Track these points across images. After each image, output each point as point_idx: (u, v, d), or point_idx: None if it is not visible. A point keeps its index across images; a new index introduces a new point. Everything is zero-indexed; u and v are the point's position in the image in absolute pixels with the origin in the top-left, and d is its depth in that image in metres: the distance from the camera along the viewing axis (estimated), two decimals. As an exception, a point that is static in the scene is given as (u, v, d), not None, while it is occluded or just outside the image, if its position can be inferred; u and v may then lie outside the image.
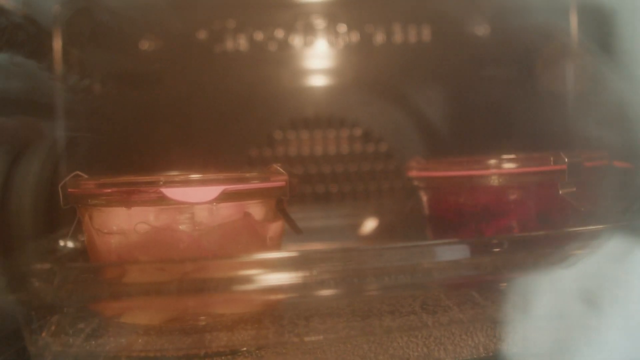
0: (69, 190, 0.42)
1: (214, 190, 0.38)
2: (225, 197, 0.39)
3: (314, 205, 0.76)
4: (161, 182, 0.38)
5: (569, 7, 0.75)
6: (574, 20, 0.74)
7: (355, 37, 0.76)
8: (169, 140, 0.73)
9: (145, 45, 0.74)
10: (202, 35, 0.74)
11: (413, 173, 0.52)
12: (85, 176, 0.43)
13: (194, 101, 0.74)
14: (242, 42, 0.75)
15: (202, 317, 0.41)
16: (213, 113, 0.75)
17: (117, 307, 0.40)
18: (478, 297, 0.43)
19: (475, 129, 0.77)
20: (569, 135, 0.75)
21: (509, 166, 0.46)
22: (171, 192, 0.38)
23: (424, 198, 0.52)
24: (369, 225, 0.72)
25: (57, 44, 0.69)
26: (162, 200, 0.38)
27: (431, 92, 0.76)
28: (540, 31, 0.75)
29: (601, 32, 0.65)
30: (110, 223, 0.41)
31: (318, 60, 0.76)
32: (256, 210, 0.43)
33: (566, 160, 0.45)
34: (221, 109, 0.75)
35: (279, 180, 0.42)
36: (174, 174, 0.45)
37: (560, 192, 0.46)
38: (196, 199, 0.38)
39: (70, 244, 0.52)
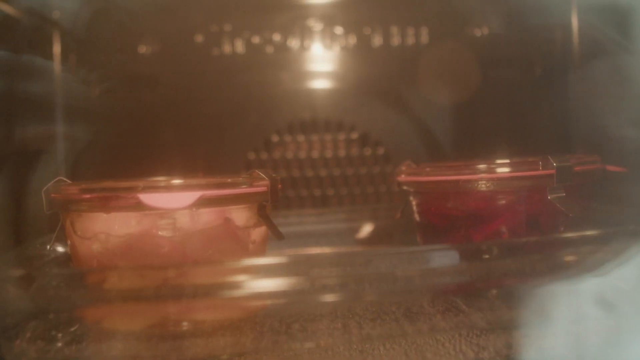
0: (52, 195, 0.42)
1: (191, 196, 0.38)
2: (203, 202, 0.39)
3: (311, 208, 0.76)
4: (140, 188, 0.38)
5: (570, 7, 0.73)
6: (574, 20, 0.73)
7: (352, 39, 0.75)
8: (168, 143, 0.73)
9: (143, 48, 0.74)
10: (199, 38, 0.74)
11: (401, 178, 0.51)
12: (68, 181, 0.43)
13: (192, 104, 0.74)
14: (239, 46, 0.74)
15: (183, 324, 0.41)
16: (210, 116, 0.75)
17: (97, 313, 0.40)
18: (462, 305, 0.42)
19: (475, 132, 0.76)
20: (570, 137, 0.74)
21: (497, 171, 0.45)
22: (148, 198, 0.37)
23: (414, 203, 0.51)
24: (367, 229, 0.72)
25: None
26: (140, 206, 0.38)
27: (429, 95, 0.75)
28: (542, 32, 0.74)
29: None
30: (90, 228, 0.41)
31: (315, 63, 0.75)
32: (238, 215, 0.43)
33: (555, 164, 0.44)
34: (218, 113, 0.75)
35: (260, 186, 0.42)
36: (156, 179, 0.45)
37: (549, 197, 0.45)
38: (173, 205, 0.38)
39: (60, 249, 0.52)
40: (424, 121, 0.74)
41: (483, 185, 0.46)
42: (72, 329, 0.39)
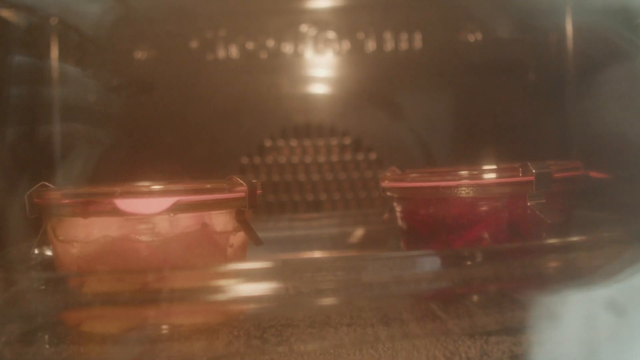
0: (35, 200, 0.43)
1: (166, 202, 0.38)
2: (178, 208, 0.39)
3: (305, 213, 0.76)
4: (117, 194, 0.39)
5: (565, 9, 0.73)
6: (569, 23, 0.73)
7: (346, 45, 0.76)
8: (161, 148, 0.74)
9: (139, 54, 0.75)
10: (194, 44, 0.75)
11: (385, 183, 0.51)
12: (51, 186, 0.44)
13: (187, 110, 0.75)
14: (234, 51, 0.75)
15: (160, 327, 0.41)
16: (204, 121, 0.75)
17: (76, 317, 0.41)
18: (438, 311, 0.43)
19: (468, 138, 0.76)
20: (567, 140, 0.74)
21: (476, 177, 0.46)
22: (123, 204, 0.38)
23: (397, 209, 0.51)
24: (359, 234, 0.72)
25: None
26: (116, 211, 0.39)
27: (422, 101, 0.75)
28: (536, 35, 0.74)
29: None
30: (70, 233, 0.41)
31: (309, 68, 0.76)
32: (217, 221, 0.43)
33: (533, 171, 0.44)
34: (212, 118, 0.75)
35: (238, 192, 0.42)
36: (136, 184, 0.45)
37: (529, 203, 0.45)
38: (147, 210, 0.38)
39: (49, 252, 0.52)
40: (416, 127, 0.75)
41: (462, 192, 0.46)
42: (50, 332, 0.40)
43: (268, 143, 0.75)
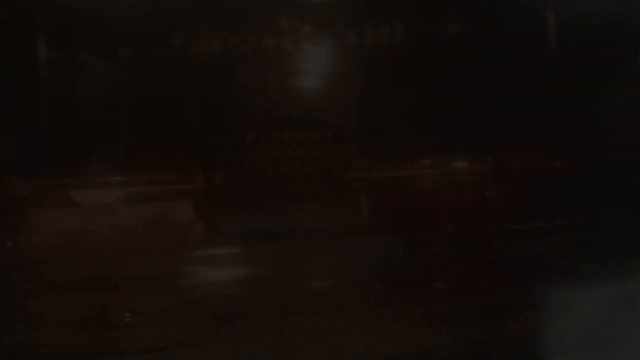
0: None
1: (117, 193, 0.39)
2: (133, 198, 0.40)
3: (286, 205, 0.76)
4: (73, 185, 0.40)
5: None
6: (551, 12, 0.73)
7: (328, 38, 0.76)
8: (143, 142, 0.75)
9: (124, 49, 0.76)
10: (176, 39, 0.76)
11: (349, 174, 0.52)
12: (17, 179, 0.45)
13: (168, 104, 0.76)
14: (215, 45, 0.76)
15: (119, 314, 0.42)
16: (187, 116, 0.76)
17: (38, 305, 0.42)
18: (393, 298, 0.43)
19: (450, 127, 0.76)
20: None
21: (435, 167, 0.46)
22: (76, 195, 0.39)
23: (362, 199, 0.52)
24: (340, 223, 0.72)
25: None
26: (71, 202, 0.40)
27: (404, 92, 0.75)
28: (517, 25, 0.74)
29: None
30: (32, 224, 0.43)
31: (290, 62, 0.76)
32: (176, 211, 0.44)
33: (489, 161, 0.44)
34: (195, 112, 0.76)
35: (195, 183, 0.43)
36: (99, 176, 0.46)
37: (486, 193, 0.45)
38: (100, 201, 0.39)
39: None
40: (397, 119, 0.75)
41: (421, 181, 0.46)
42: (12, 320, 0.41)
43: (251, 136, 0.76)
